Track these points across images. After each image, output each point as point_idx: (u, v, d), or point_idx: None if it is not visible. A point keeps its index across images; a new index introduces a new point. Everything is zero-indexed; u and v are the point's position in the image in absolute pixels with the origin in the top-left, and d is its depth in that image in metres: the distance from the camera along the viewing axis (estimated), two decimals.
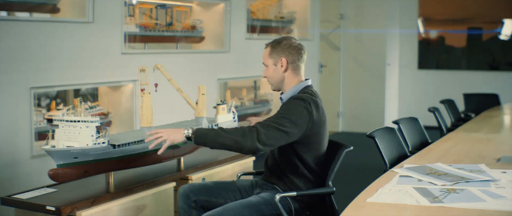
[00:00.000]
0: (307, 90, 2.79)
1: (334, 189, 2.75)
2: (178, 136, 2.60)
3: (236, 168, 3.68)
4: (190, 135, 2.59)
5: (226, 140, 2.53)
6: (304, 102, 2.66)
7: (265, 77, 2.86)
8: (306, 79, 2.85)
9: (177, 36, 5.40)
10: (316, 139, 2.74)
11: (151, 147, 2.70)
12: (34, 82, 3.93)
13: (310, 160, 2.75)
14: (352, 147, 2.89)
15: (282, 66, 2.80)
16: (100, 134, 2.85)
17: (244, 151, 2.56)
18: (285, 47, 2.80)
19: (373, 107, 8.67)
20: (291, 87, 2.82)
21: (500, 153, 3.22)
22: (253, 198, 2.70)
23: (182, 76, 4.56)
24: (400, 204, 2.19)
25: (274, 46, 2.82)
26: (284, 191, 2.71)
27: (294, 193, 2.67)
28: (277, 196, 2.59)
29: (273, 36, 6.96)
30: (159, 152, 2.69)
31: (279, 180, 2.77)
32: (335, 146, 2.90)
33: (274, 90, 2.89)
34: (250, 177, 3.16)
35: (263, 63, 2.86)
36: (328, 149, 2.86)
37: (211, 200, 2.81)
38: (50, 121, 4.13)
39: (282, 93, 2.88)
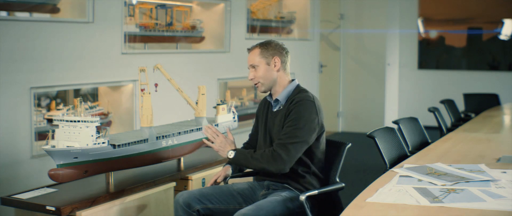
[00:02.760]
0: (301, 89, 2.82)
1: (343, 184, 2.78)
2: (223, 154, 2.79)
3: None
4: (230, 158, 2.78)
5: (255, 166, 2.72)
6: (312, 103, 2.70)
7: (251, 79, 2.82)
8: (292, 79, 2.87)
9: (177, 36, 5.40)
10: (321, 136, 2.77)
11: (204, 132, 2.88)
12: (34, 82, 3.93)
13: (318, 159, 2.78)
14: (350, 144, 2.90)
15: (275, 65, 2.81)
16: (100, 134, 2.85)
17: (273, 174, 2.74)
18: (276, 47, 2.82)
19: (373, 107, 8.67)
20: (285, 87, 2.82)
21: (500, 153, 3.22)
22: (277, 197, 2.69)
23: (182, 76, 4.56)
24: (400, 204, 2.20)
25: (264, 46, 2.82)
26: (298, 190, 2.72)
27: (315, 192, 2.68)
28: (302, 197, 2.60)
29: (273, 36, 6.96)
30: (205, 142, 2.86)
31: (292, 181, 2.76)
32: (335, 144, 2.94)
33: (263, 92, 2.87)
34: (244, 179, 3.09)
35: (251, 66, 2.82)
36: (328, 149, 2.88)
37: (215, 207, 2.76)
38: (50, 121, 4.13)
39: (270, 94, 2.87)
